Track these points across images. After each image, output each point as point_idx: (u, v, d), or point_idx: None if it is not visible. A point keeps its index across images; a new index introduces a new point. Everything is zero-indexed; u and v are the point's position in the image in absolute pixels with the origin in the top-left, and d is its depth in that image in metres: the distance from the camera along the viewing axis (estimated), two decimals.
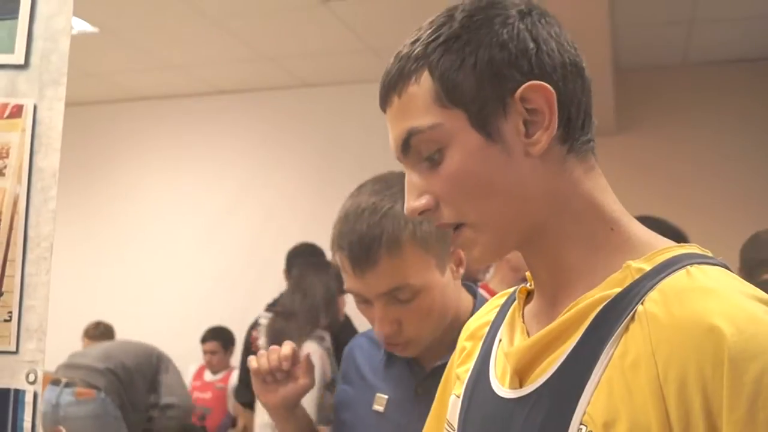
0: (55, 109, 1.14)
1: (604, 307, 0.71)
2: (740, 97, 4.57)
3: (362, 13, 4.03)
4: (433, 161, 0.77)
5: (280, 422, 1.35)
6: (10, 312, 1.09)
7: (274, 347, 1.30)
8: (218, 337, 4.60)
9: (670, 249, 0.74)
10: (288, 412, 1.33)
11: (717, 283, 0.67)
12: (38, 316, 1.09)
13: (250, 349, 4.06)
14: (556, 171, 0.76)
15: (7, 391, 1.08)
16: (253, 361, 1.30)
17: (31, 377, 1.08)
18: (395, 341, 1.20)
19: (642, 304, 0.68)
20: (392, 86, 0.79)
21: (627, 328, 0.68)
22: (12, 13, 1.16)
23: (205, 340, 4.65)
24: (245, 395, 3.65)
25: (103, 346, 3.86)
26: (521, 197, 0.76)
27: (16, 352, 1.08)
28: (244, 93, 5.45)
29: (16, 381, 1.08)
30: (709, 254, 0.75)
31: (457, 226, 0.78)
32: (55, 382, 3.48)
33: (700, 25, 4.14)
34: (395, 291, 1.15)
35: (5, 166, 1.11)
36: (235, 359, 4.43)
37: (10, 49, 1.16)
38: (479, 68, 0.74)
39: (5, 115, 1.13)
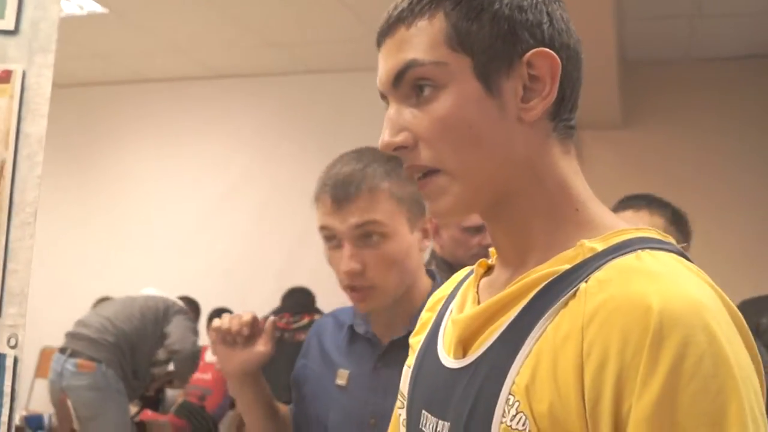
0: (44, 76, 1.14)
1: (549, 282, 0.71)
2: (745, 93, 4.56)
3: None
4: (424, 99, 0.76)
5: (238, 389, 1.37)
6: None
7: (237, 313, 1.34)
8: None
9: (626, 231, 0.74)
10: (246, 378, 1.35)
11: (664, 267, 0.67)
12: (20, 280, 1.09)
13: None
14: (539, 144, 0.77)
15: None
16: (216, 321, 1.34)
17: (12, 341, 1.08)
18: (358, 283, 1.23)
19: (586, 282, 0.68)
20: (401, 18, 0.77)
21: (566, 304, 0.68)
22: None
23: (211, 320, 4.66)
24: None
25: (109, 311, 3.87)
26: (503, 157, 0.76)
27: None
28: (248, 78, 5.44)
29: None
30: (669, 239, 0.75)
31: (429, 173, 0.77)
32: (63, 350, 3.57)
33: (705, 20, 4.11)
34: (366, 226, 1.22)
35: None
36: None
37: (1, 15, 1.16)
38: (496, 22, 0.74)
39: None
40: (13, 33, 1.15)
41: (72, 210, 5.62)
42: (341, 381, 1.32)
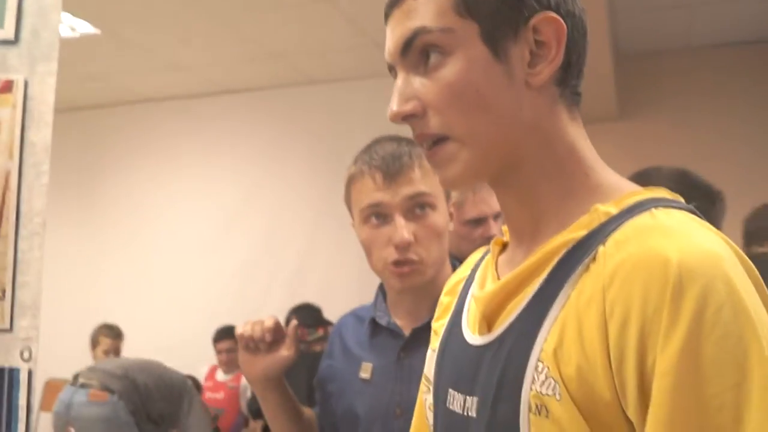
0: (47, 84, 1.13)
1: (568, 249, 0.72)
2: (742, 80, 4.56)
3: (367, 8, 4.01)
4: (432, 66, 0.76)
5: (261, 394, 1.37)
6: (4, 289, 1.08)
7: (259, 319, 1.34)
8: (232, 335, 4.56)
9: (638, 193, 0.75)
10: (269, 384, 1.35)
11: (678, 223, 0.67)
12: (32, 292, 1.08)
13: None
14: (547, 109, 0.77)
15: (1, 369, 1.07)
16: (239, 327, 1.34)
17: (26, 355, 1.07)
18: (408, 256, 1.25)
19: (604, 244, 0.69)
20: None
21: (587, 268, 0.69)
22: None
23: (218, 339, 4.64)
24: (257, 403, 3.70)
25: (130, 360, 3.83)
26: (512, 122, 0.76)
27: (10, 329, 1.07)
28: (250, 92, 5.43)
29: (10, 359, 1.07)
30: (680, 199, 0.75)
31: (439, 141, 0.77)
32: (74, 383, 3.50)
33: (702, 8, 4.12)
34: (418, 197, 1.25)
35: None
36: None
37: (0, 25, 1.15)
38: None
39: None
40: (13, 42, 1.15)
41: (75, 237, 5.61)
42: (365, 374, 1.33)
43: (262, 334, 1.32)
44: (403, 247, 1.23)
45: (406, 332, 1.31)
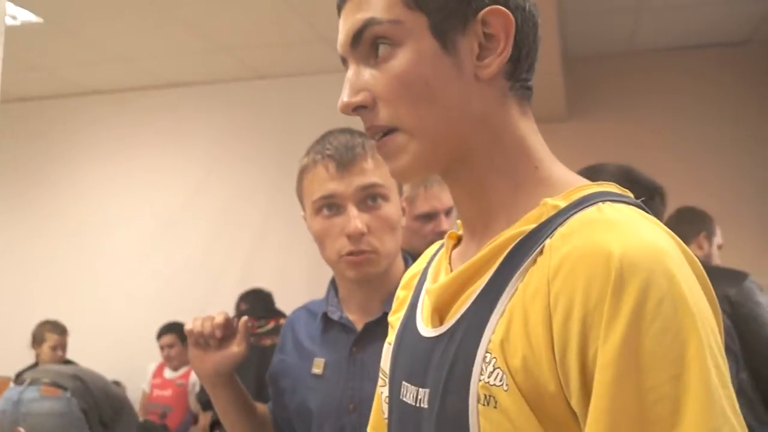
0: None
1: (518, 242, 0.73)
2: (686, 82, 4.71)
3: (316, 4, 3.98)
4: (382, 58, 0.77)
5: (212, 390, 1.36)
6: None
7: (209, 314, 1.33)
8: (175, 330, 4.50)
9: (586, 187, 0.76)
10: (220, 380, 1.34)
11: (624, 217, 0.68)
12: None
13: None
14: (496, 102, 0.78)
15: None
16: (188, 323, 1.32)
17: None
18: (361, 246, 1.25)
19: (551, 237, 0.70)
20: None
21: (535, 261, 0.70)
22: None
23: (161, 335, 4.57)
24: (206, 394, 3.61)
25: (75, 366, 3.71)
26: (460, 114, 0.77)
27: None
28: (196, 86, 5.36)
29: None
30: (628, 194, 0.77)
31: (389, 132, 0.78)
32: (19, 382, 3.37)
33: (647, 12, 4.21)
34: (371, 188, 1.25)
35: None
36: None
37: None
38: None
39: None
40: None
41: (19, 231, 5.45)
42: (317, 370, 1.32)
43: (211, 330, 1.31)
44: (356, 237, 1.24)
45: (359, 327, 1.31)
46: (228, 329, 1.32)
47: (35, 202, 5.52)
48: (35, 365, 3.53)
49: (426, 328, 0.82)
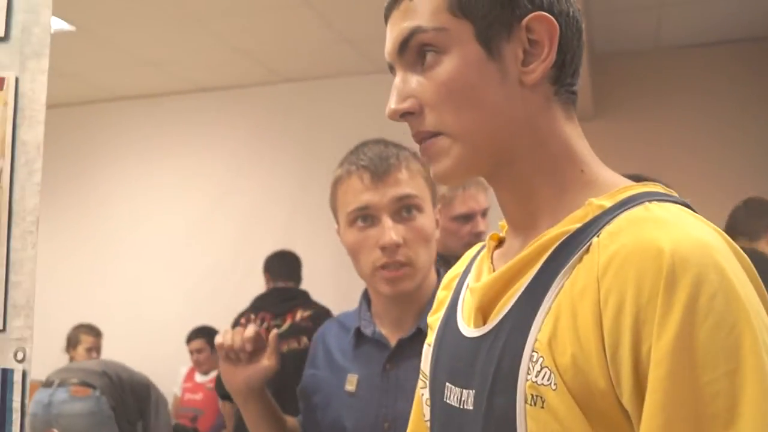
0: (38, 81, 1.12)
1: (562, 241, 0.74)
2: (713, 79, 4.64)
3: (339, 6, 4.01)
4: (428, 65, 0.78)
5: (244, 404, 1.34)
6: None
7: (239, 328, 1.31)
8: (204, 335, 4.54)
9: (632, 187, 0.77)
10: (251, 394, 1.32)
11: (672, 215, 0.69)
12: (25, 291, 1.07)
13: None
14: (541, 107, 0.79)
15: None
16: (218, 337, 1.31)
17: (20, 355, 1.05)
18: (397, 258, 1.23)
19: (597, 236, 0.70)
20: None
21: (581, 259, 0.71)
22: None
23: (190, 339, 4.60)
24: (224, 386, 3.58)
25: (100, 359, 3.77)
26: (505, 119, 0.78)
27: (3, 330, 1.06)
28: (223, 90, 5.40)
29: (4, 360, 1.05)
30: (673, 193, 0.77)
31: (433, 137, 0.79)
32: (47, 385, 3.41)
33: (671, 8, 4.18)
34: (406, 199, 1.23)
35: None
36: None
37: None
38: None
39: None
40: (3, 40, 1.13)
41: (51, 235, 5.52)
42: (350, 387, 1.30)
43: (241, 344, 1.29)
44: (391, 249, 1.22)
45: (392, 342, 1.29)
46: (258, 342, 1.30)
47: (67, 208, 5.60)
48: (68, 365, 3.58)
49: (468, 328, 0.82)
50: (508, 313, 0.75)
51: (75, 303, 5.16)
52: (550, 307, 0.70)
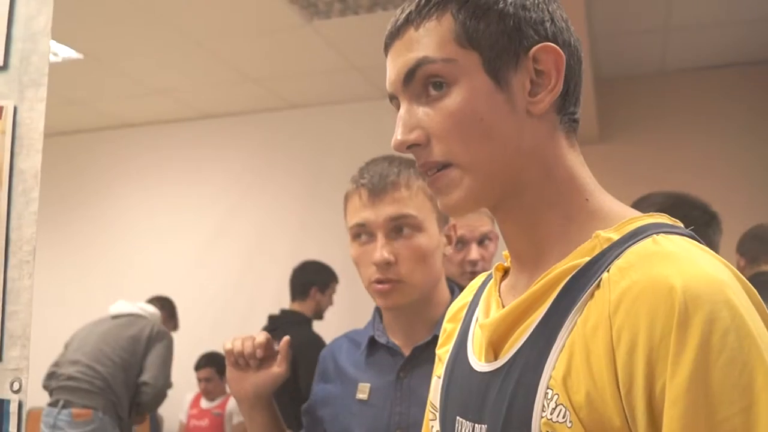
0: (36, 110, 1.12)
1: (572, 276, 0.73)
2: (718, 102, 4.65)
3: (346, 33, 4.03)
4: (435, 95, 0.78)
5: (249, 413, 1.33)
6: None
7: (249, 334, 1.31)
8: (213, 363, 4.52)
9: (638, 219, 0.76)
10: (258, 402, 1.31)
11: (680, 249, 0.69)
12: (21, 322, 1.06)
13: None
14: (547, 136, 0.79)
15: None
16: (227, 343, 1.31)
17: (16, 386, 1.04)
18: (388, 275, 1.24)
19: (607, 271, 0.70)
20: (410, 21, 0.80)
21: (592, 295, 0.70)
22: None
23: (198, 367, 4.58)
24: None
25: (82, 355, 3.70)
26: (514, 149, 0.77)
27: (0, 360, 1.05)
28: (230, 116, 5.43)
29: None
30: (679, 224, 0.77)
31: (442, 168, 0.79)
32: (53, 404, 3.47)
33: (675, 32, 4.19)
34: (400, 219, 1.24)
35: None
36: None
37: None
38: (503, 19, 0.77)
39: None
40: (1, 69, 1.13)
41: (51, 263, 5.54)
42: (362, 395, 1.30)
43: (252, 350, 1.29)
44: (381, 266, 1.23)
45: (405, 351, 1.29)
46: (269, 350, 1.30)
47: (73, 234, 5.62)
48: (68, 379, 3.52)
49: (479, 363, 0.81)
50: (520, 348, 0.75)
51: (77, 328, 5.14)
52: (563, 345, 0.70)
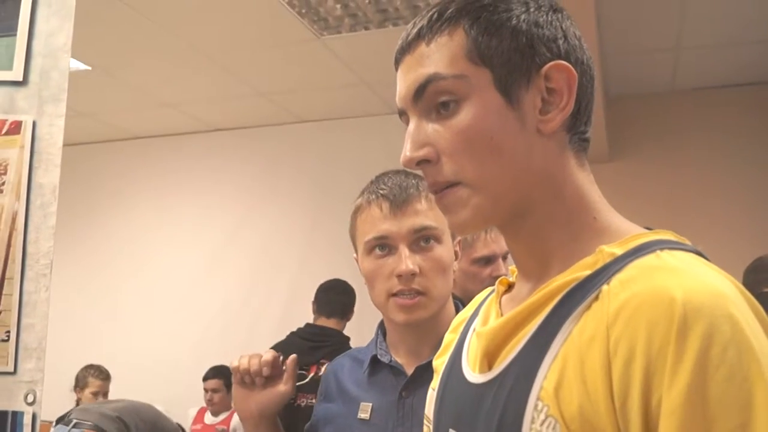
0: (56, 126, 1.13)
1: (571, 288, 0.72)
2: (729, 121, 4.64)
3: (356, 48, 4.06)
4: (445, 112, 0.77)
5: (253, 431, 1.32)
6: (8, 331, 1.07)
7: (256, 352, 1.30)
8: (221, 375, 4.50)
9: (643, 235, 0.75)
10: (263, 420, 1.31)
11: (683, 263, 0.68)
12: (37, 334, 1.07)
13: None
14: (556, 155, 0.78)
15: (4, 413, 1.05)
16: (234, 360, 1.30)
17: (30, 398, 1.05)
18: (411, 286, 1.23)
19: (607, 283, 0.69)
20: (421, 35, 0.79)
21: (590, 306, 0.69)
22: (10, 30, 1.16)
23: (207, 378, 4.56)
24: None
25: (126, 402, 3.74)
26: (523, 168, 0.76)
27: (14, 372, 1.06)
28: (239, 130, 5.45)
29: (13, 403, 1.05)
30: (686, 242, 0.75)
31: (450, 186, 0.77)
32: (62, 418, 3.42)
33: (687, 52, 4.20)
34: (423, 231, 1.24)
35: (3, 183, 1.10)
36: None
37: (9, 66, 1.15)
38: (515, 36, 0.76)
39: (3, 132, 1.12)
40: (21, 84, 1.15)
41: (65, 273, 5.55)
42: (364, 414, 1.28)
43: (258, 368, 1.28)
44: (406, 277, 1.22)
45: (408, 371, 1.28)
46: (276, 368, 1.30)
47: (80, 245, 5.63)
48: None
49: (473, 374, 0.80)
50: (514, 359, 0.74)
51: (85, 340, 5.16)
52: (556, 355, 0.69)
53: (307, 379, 3.46)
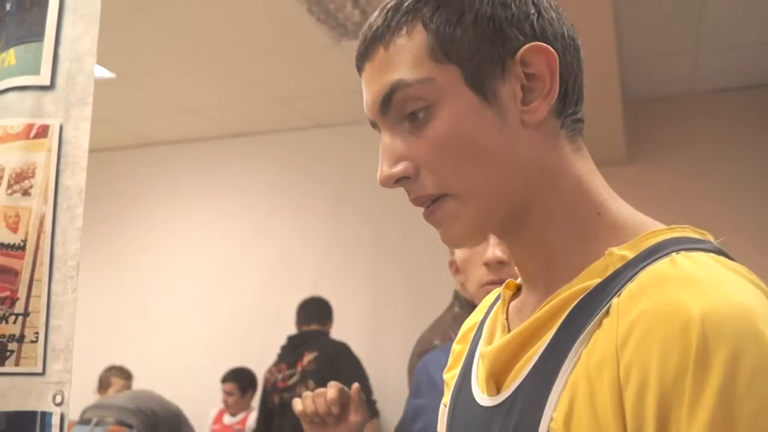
0: (81, 129, 1.14)
1: (580, 300, 0.65)
2: (749, 123, 4.61)
3: None
4: (417, 121, 0.69)
5: None
6: (37, 333, 1.08)
7: (320, 390, 1.25)
8: (236, 379, 4.56)
9: (658, 233, 0.67)
10: None
11: (702, 270, 0.59)
12: (65, 335, 1.08)
13: (266, 389, 4.04)
14: (548, 145, 0.71)
15: (33, 414, 1.06)
16: (297, 404, 1.25)
17: (58, 398, 1.06)
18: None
19: (618, 296, 0.61)
20: (378, 38, 0.71)
21: (600, 324, 0.62)
22: (38, 35, 1.17)
23: (224, 380, 4.63)
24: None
25: (132, 392, 3.83)
26: (512, 168, 0.69)
27: (43, 373, 1.06)
28: (258, 135, 5.48)
29: (42, 403, 1.06)
30: (707, 236, 0.68)
31: (437, 199, 0.71)
32: (85, 422, 3.48)
33: (705, 54, 4.17)
34: None
35: (31, 186, 1.11)
36: (256, 401, 4.39)
37: (36, 71, 1.16)
38: (479, 23, 0.68)
39: (31, 136, 1.13)
40: (49, 88, 1.16)
41: (86, 276, 5.59)
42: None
43: (326, 408, 1.23)
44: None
45: None
46: (343, 401, 1.25)
47: (99, 250, 5.67)
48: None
49: (482, 396, 0.74)
50: (521, 384, 0.67)
51: (107, 343, 5.19)
52: (566, 381, 0.62)
53: (296, 376, 3.70)
